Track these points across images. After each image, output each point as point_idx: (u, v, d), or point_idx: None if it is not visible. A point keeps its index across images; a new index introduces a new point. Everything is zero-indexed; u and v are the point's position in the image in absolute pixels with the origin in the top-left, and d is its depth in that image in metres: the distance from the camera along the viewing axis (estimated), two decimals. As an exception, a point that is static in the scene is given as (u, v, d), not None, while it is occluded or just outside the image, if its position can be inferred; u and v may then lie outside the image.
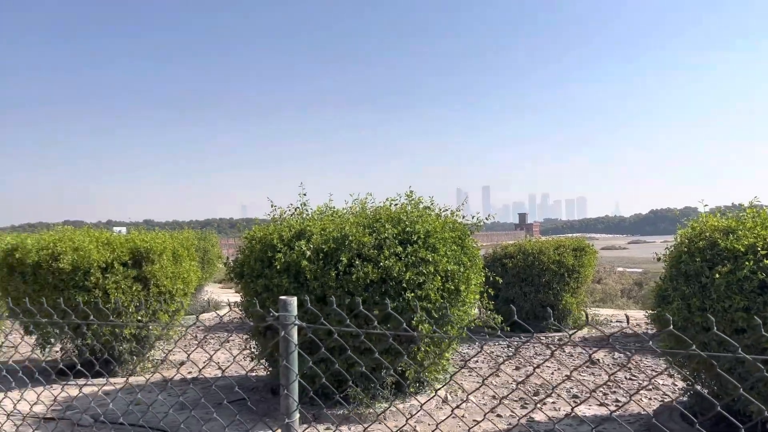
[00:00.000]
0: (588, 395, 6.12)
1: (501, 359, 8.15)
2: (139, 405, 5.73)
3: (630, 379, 6.94)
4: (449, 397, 6.22)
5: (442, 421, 2.37)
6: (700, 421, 4.26)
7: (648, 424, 5.15)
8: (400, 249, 5.50)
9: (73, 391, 6.04)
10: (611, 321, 10.82)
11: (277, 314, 2.08)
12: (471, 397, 6.13)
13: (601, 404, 5.91)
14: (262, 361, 6.97)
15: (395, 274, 5.35)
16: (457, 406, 3.03)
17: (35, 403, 5.50)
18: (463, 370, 7.32)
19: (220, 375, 6.55)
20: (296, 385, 2.06)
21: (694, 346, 1.95)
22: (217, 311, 12.58)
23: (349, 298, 5.29)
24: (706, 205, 5.25)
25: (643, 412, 5.53)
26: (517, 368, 7.53)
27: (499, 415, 5.57)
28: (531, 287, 9.68)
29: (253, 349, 6.53)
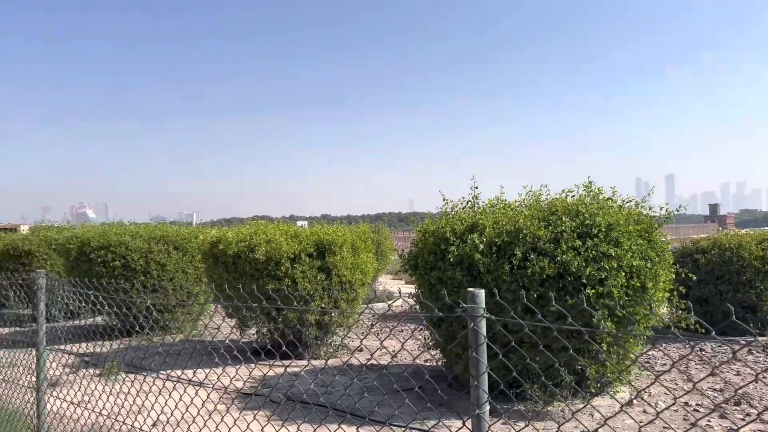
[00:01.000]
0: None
1: (693, 362, 7.43)
2: (323, 386, 6.17)
3: None
4: (635, 402, 5.82)
5: (645, 424, 2.21)
6: None
7: None
8: (578, 243, 5.25)
9: (265, 370, 6.68)
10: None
11: (465, 306, 2.10)
12: (660, 403, 5.67)
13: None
14: (433, 352, 7.11)
15: (574, 270, 5.13)
16: (665, 409, 2.81)
17: (235, 378, 6.19)
18: (645, 372, 6.81)
19: (391, 362, 6.77)
20: (486, 377, 2.07)
21: None
22: (389, 301, 13.10)
23: (524, 293, 5.18)
24: None
25: None
26: (713, 374, 6.80)
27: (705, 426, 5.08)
28: (728, 286, 8.74)
29: (425, 339, 6.68)
